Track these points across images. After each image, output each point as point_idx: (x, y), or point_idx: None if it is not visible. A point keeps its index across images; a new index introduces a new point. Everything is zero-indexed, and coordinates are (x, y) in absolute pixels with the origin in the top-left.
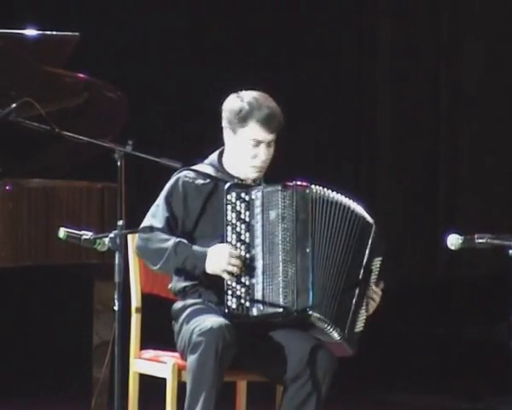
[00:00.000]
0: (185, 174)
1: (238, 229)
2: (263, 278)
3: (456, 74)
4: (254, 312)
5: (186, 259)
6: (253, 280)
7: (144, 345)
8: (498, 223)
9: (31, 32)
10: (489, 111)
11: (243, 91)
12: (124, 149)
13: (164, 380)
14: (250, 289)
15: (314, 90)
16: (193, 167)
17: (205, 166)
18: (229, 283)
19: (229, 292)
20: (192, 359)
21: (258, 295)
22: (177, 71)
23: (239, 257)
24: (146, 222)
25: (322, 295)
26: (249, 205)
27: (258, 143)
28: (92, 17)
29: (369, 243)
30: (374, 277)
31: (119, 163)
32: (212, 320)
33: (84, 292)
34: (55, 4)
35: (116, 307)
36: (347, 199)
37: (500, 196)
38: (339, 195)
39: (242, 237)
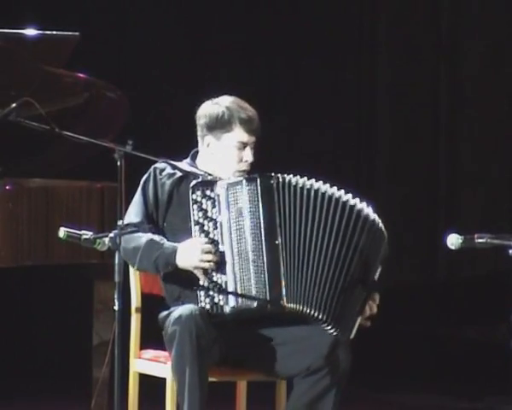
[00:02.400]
0: (158, 165)
1: (206, 227)
2: (234, 275)
3: (457, 74)
4: (227, 309)
5: (158, 257)
6: (225, 277)
7: (144, 345)
8: (498, 223)
9: (31, 31)
10: (489, 111)
11: (217, 98)
12: (124, 149)
13: (164, 380)
14: (222, 286)
15: (313, 90)
16: (170, 161)
17: (181, 163)
18: (200, 283)
19: (202, 293)
20: (172, 352)
21: (231, 292)
22: (178, 70)
23: (211, 252)
24: (126, 218)
25: (298, 285)
26: (215, 202)
27: (243, 145)
28: (92, 17)
29: (365, 236)
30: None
31: (118, 163)
32: (182, 308)
33: (84, 292)
34: (54, 4)
35: (116, 307)
36: (327, 186)
37: (500, 196)
38: (313, 181)
39: (211, 236)
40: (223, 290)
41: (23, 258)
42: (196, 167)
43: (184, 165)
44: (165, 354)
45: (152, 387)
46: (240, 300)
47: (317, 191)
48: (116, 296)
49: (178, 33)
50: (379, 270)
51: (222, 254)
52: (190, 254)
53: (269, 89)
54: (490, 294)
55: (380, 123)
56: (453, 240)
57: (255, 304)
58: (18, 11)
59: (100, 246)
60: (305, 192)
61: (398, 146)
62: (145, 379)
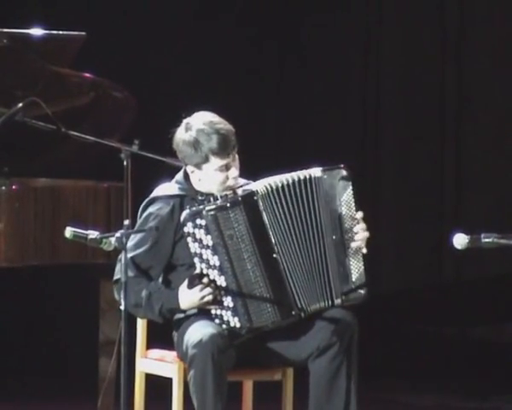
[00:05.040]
0: (154, 207)
1: (205, 256)
2: (242, 297)
3: (463, 73)
4: (243, 332)
5: (161, 308)
6: (234, 300)
7: (150, 345)
8: (505, 222)
9: (37, 31)
10: (495, 110)
11: (189, 121)
12: (130, 149)
13: (170, 380)
14: (233, 309)
15: (319, 90)
16: (160, 193)
17: (172, 187)
18: (213, 312)
19: (217, 320)
20: (192, 374)
21: (243, 314)
22: (184, 71)
23: (208, 285)
24: (132, 252)
25: (304, 289)
26: (208, 228)
27: (225, 167)
28: (98, 16)
29: (335, 192)
30: (350, 215)
31: (125, 163)
32: (203, 332)
33: (91, 291)
34: (61, 4)
35: (122, 307)
36: (300, 172)
37: (507, 196)
38: (288, 175)
39: (211, 263)
40: (235, 312)
41: (29, 257)
42: (190, 189)
43: (175, 188)
44: (172, 353)
45: (158, 387)
46: (254, 320)
47: (294, 183)
48: (122, 296)
49: (185, 32)
50: (348, 194)
51: (227, 278)
52: (189, 294)
53: (273, 89)
54: (496, 293)
55: (385, 123)
56: (460, 240)
57: (269, 323)
58: (24, 11)
59: (106, 246)
60: (286, 191)
61: (404, 146)
62: (151, 379)
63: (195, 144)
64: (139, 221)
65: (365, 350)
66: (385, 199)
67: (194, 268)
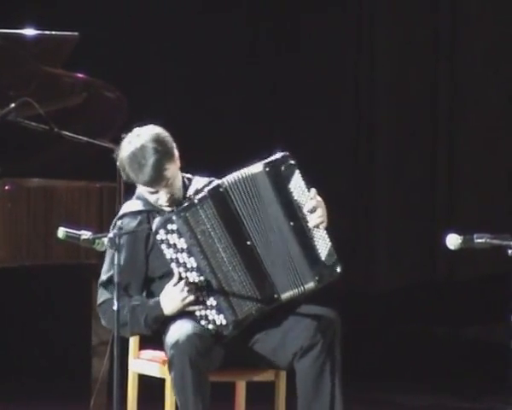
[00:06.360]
0: (123, 223)
1: (181, 260)
2: (224, 291)
3: (455, 73)
4: (230, 327)
5: (146, 319)
6: (217, 298)
7: (143, 345)
8: (498, 223)
9: (30, 31)
10: (488, 110)
11: (130, 139)
12: None
13: (163, 380)
14: (217, 307)
15: (311, 88)
16: (126, 210)
17: (136, 203)
18: (197, 313)
19: (203, 321)
20: (172, 375)
21: (227, 309)
22: (176, 71)
23: (189, 287)
24: (100, 293)
25: (280, 272)
26: (179, 231)
27: (156, 191)
28: (91, 16)
29: (285, 180)
30: (303, 198)
31: (117, 163)
32: (180, 332)
33: (83, 292)
34: (53, 4)
35: (115, 307)
36: (244, 169)
37: (499, 196)
38: (251, 167)
39: (189, 265)
40: (219, 310)
41: (22, 258)
42: (150, 204)
43: (138, 204)
44: (164, 354)
45: (151, 387)
46: (238, 311)
47: (242, 181)
48: (115, 296)
49: (178, 32)
50: (296, 178)
51: (206, 277)
52: (171, 299)
53: (268, 87)
54: (489, 294)
55: (378, 123)
56: (452, 240)
57: (253, 310)
58: (17, 11)
59: (99, 246)
60: (249, 181)
61: (397, 146)
62: (144, 379)
63: (127, 172)
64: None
65: (358, 350)
66: (378, 199)
67: (173, 275)
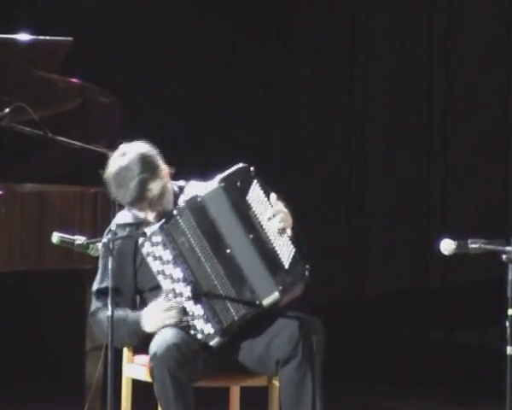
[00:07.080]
0: (115, 234)
1: (167, 272)
2: (209, 301)
3: (450, 74)
4: (217, 336)
5: (129, 333)
6: (203, 306)
7: (137, 350)
8: (492, 228)
9: (24, 36)
10: (482, 113)
11: (116, 158)
12: None
13: None
14: (204, 316)
15: (306, 91)
16: (116, 221)
17: (127, 215)
18: (185, 323)
19: (192, 331)
20: (154, 385)
21: (213, 318)
22: (170, 76)
23: (171, 305)
24: (94, 302)
25: (262, 276)
26: (164, 243)
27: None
28: (85, 21)
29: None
30: (262, 208)
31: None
32: (159, 344)
33: (77, 297)
34: (48, 9)
35: (109, 312)
36: (205, 185)
37: (494, 201)
38: (208, 183)
39: (175, 276)
40: (207, 319)
41: (16, 263)
42: (137, 217)
43: (128, 216)
44: None
45: (145, 392)
46: (223, 319)
47: (212, 192)
48: (109, 301)
49: (173, 36)
50: (255, 186)
51: (192, 288)
52: (152, 317)
53: (264, 90)
54: (483, 299)
55: (372, 124)
56: (446, 245)
57: (236, 318)
58: (11, 16)
59: (93, 251)
60: (223, 189)
61: (391, 149)
62: (138, 385)
63: (114, 196)
64: (101, 251)
65: (350, 354)
66: (371, 202)
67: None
